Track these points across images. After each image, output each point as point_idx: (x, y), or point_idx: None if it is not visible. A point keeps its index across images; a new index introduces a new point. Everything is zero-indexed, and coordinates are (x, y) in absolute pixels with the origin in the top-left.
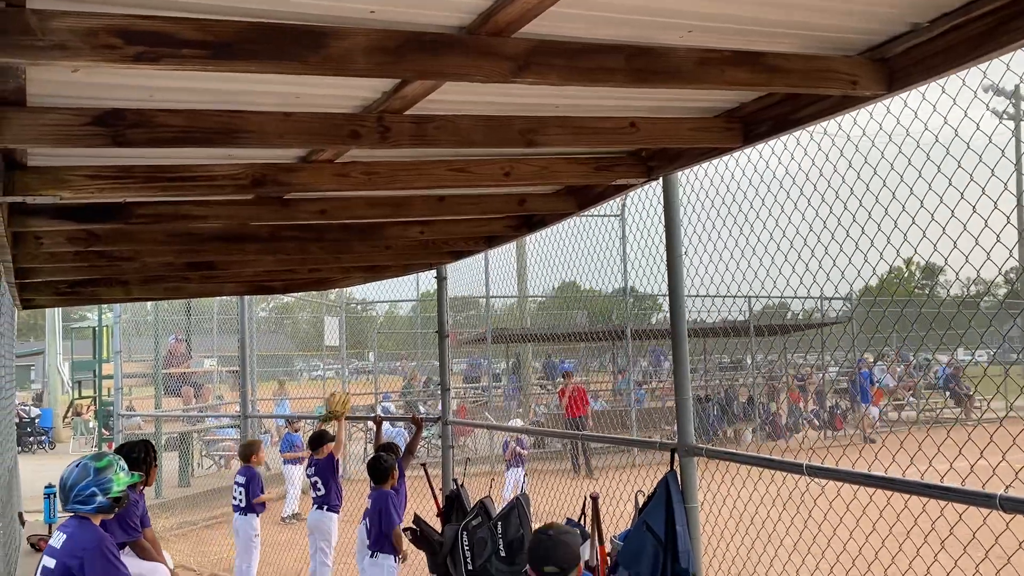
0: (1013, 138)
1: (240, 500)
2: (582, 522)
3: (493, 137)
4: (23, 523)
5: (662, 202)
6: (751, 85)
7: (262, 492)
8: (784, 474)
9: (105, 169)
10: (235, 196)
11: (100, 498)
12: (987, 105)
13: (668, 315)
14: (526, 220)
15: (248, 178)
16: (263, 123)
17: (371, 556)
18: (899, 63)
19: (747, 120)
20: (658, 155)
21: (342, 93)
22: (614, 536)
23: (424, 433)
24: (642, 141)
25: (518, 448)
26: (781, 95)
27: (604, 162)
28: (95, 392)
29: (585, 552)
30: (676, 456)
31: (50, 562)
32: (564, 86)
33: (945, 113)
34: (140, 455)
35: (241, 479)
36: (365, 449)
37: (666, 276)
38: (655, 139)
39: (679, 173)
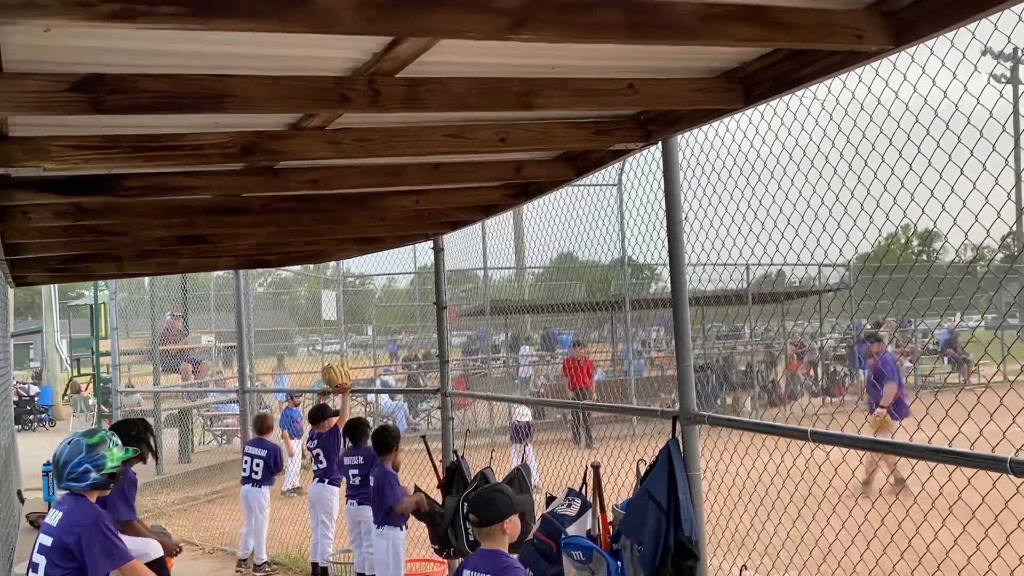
0: (1012, 105)
1: (257, 472)
2: (583, 491)
3: (488, 100)
4: (22, 501)
5: (660, 166)
6: (754, 40)
7: (282, 466)
8: (786, 444)
9: (89, 139)
10: (224, 166)
11: (94, 475)
12: (990, 73)
13: (666, 284)
14: (523, 188)
15: (236, 146)
16: (249, 87)
17: (378, 528)
18: (907, 16)
19: (747, 81)
20: (657, 118)
21: (331, 55)
22: (616, 505)
23: (424, 406)
24: (641, 103)
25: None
26: (783, 54)
27: (603, 126)
28: (93, 369)
29: (587, 522)
30: (678, 424)
31: (47, 539)
32: (562, 43)
33: (942, 80)
34: (136, 432)
35: (259, 452)
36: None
37: (666, 242)
38: (654, 101)
39: (678, 137)
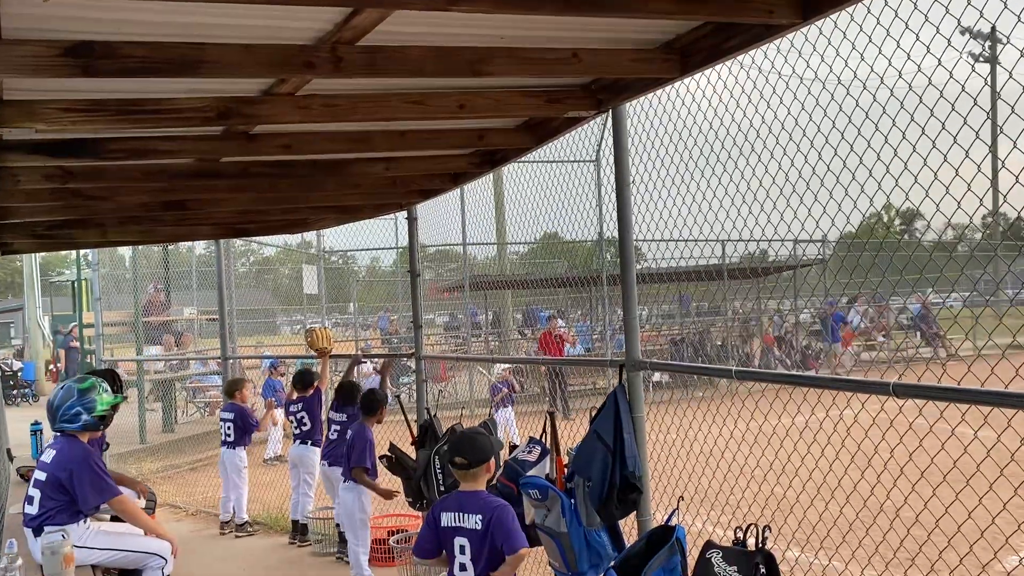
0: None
1: (230, 435)
2: (543, 439)
3: (442, 67)
4: (11, 458)
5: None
6: (674, 14)
7: (256, 423)
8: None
9: (78, 103)
10: (202, 130)
11: (85, 416)
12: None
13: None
14: (489, 155)
15: (213, 111)
16: (223, 54)
17: (344, 483)
18: None
19: (683, 51)
20: (608, 87)
21: (297, 25)
22: (570, 449)
23: (405, 380)
24: (585, 71)
25: (505, 389)
26: (711, 27)
27: (555, 95)
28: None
29: (546, 467)
30: (624, 371)
31: (41, 475)
32: (497, 13)
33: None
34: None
35: (228, 415)
36: None
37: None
38: (597, 69)
39: (627, 106)
